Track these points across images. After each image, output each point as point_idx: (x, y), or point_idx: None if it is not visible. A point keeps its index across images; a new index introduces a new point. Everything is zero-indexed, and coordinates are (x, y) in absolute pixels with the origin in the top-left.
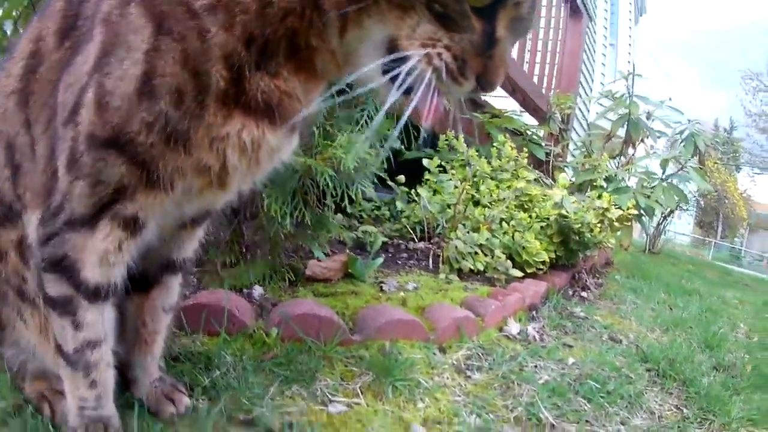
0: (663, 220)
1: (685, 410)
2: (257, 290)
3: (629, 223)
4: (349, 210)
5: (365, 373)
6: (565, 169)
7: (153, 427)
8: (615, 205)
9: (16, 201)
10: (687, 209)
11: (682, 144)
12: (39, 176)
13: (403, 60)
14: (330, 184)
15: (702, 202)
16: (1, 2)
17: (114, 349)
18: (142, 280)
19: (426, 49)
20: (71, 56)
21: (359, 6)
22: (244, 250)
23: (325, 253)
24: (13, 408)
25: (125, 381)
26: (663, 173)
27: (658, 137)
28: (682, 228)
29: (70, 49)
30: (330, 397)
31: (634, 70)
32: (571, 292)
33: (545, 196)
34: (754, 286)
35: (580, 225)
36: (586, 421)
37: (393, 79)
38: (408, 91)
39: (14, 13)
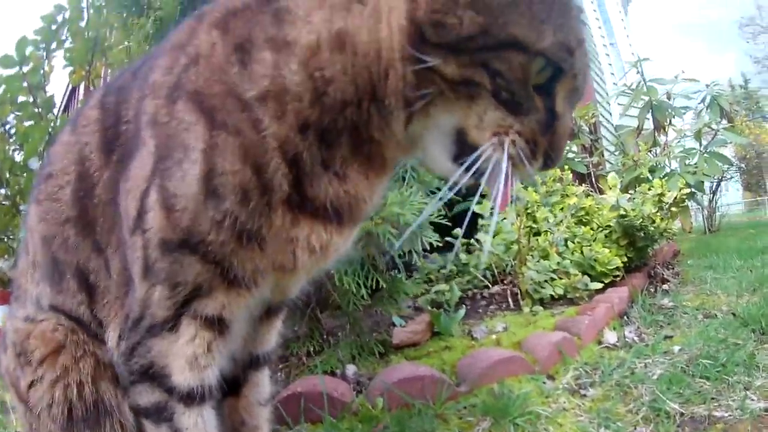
0: (713, 196)
1: None
2: (350, 369)
3: (685, 204)
4: (417, 276)
5: (482, 420)
6: (608, 175)
7: None
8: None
9: (94, 322)
10: (732, 177)
11: (708, 110)
12: (116, 291)
13: (477, 149)
14: (394, 242)
15: (744, 165)
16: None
17: None
18: (231, 381)
19: (498, 136)
20: (123, 168)
21: (425, 100)
22: (325, 336)
23: (405, 321)
24: None
25: None
26: (700, 145)
27: (684, 113)
28: (732, 198)
29: (120, 162)
30: None
31: (640, 57)
32: (653, 289)
33: (599, 205)
34: None
35: (641, 219)
36: (712, 398)
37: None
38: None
39: None
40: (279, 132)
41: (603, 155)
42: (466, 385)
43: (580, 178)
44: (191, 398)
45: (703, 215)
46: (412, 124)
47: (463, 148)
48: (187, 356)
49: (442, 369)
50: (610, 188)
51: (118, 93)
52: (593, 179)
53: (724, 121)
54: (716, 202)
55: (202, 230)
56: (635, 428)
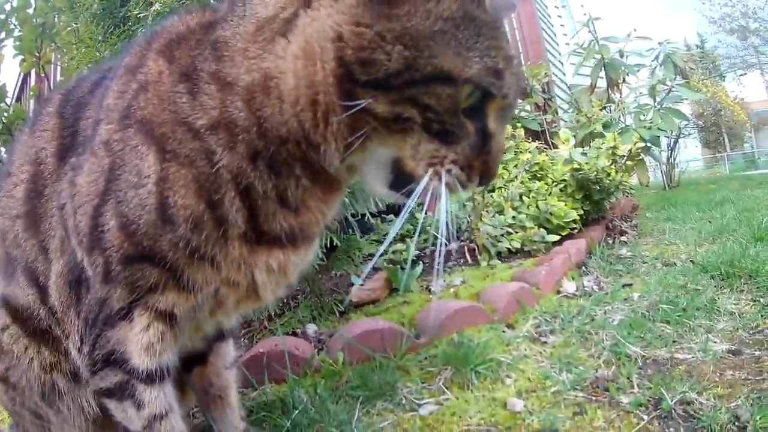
0: (671, 153)
1: (761, 300)
2: (311, 328)
3: (641, 158)
4: (373, 237)
5: (443, 369)
6: (560, 131)
7: None
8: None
9: (49, 317)
10: (691, 134)
11: (662, 67)
12: (66, 298)
13: (413, 178)
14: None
15: (701, 122)
16: None
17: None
18: (200, 355)
19: (434, 167)
20: (74, 177)
21: (361, 139)
22: (285, 299)
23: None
24: None
25: None
26: (654, 101)
27: (637, 70)
28: (691, 154)
29: (73, 170)
30: (417, 402)
31: (591, 16)
32: (611, 241)
33: (553, 160)
34: None
35: (596, 172)
36: (674, 341)
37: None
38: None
39: None
40: (231, 163)
41: (557, 113)
42: (425, 336)
43: (534, 135)
44: (151, 378)
45: (661, 171)
46: (350, 157)
47: (400, 176)
48: (143, 344)
49: (402, 322)
50: (563, 143)
51: (77, 107)
52: (547, 136)
53: (679, 78)
54: (675, 159)
55: (162, 249)
56: (597, 371)
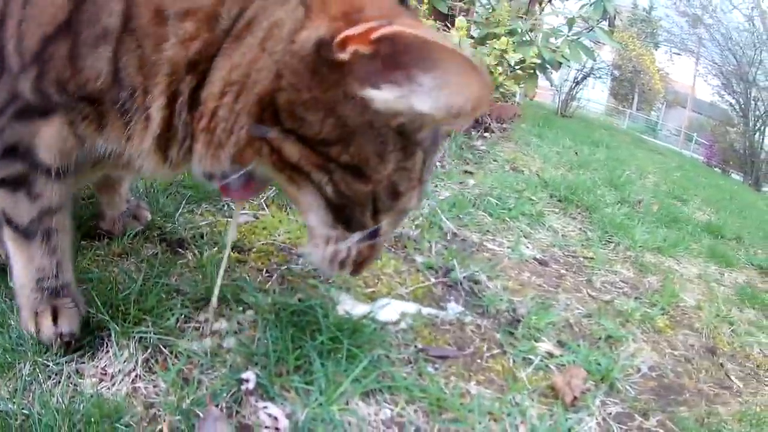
0: (575, 86)
1: (588, 233)
2: None
3: (533, 72)
4: None
5: (269, 189)
6: (471, 25)
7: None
8: (516, 51)
9: None
10: (600, 77)
11: (591, 6)
12: None
13: None
14: None
15: (617, 73)
16: None
17: None
18: None
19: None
20: None
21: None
22: None
23: None
24: None
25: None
26: (569, 30)
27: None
28: (596, 97)
29: None
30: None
31: None
32: (473, 132)
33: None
34: (668, 155)
35: None
36: (488, 231)
37: None
38: None
39: None
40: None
41: (474, 4)
42: None
43: (441, 17)
44: (55, 174)
45: (559, 98)
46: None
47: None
48: (55, 142)
49: None
50: (457, 29)
51: None
52: (453, 22)
53: (604, 24)
54: (576, 92)
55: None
56: (403, 229)
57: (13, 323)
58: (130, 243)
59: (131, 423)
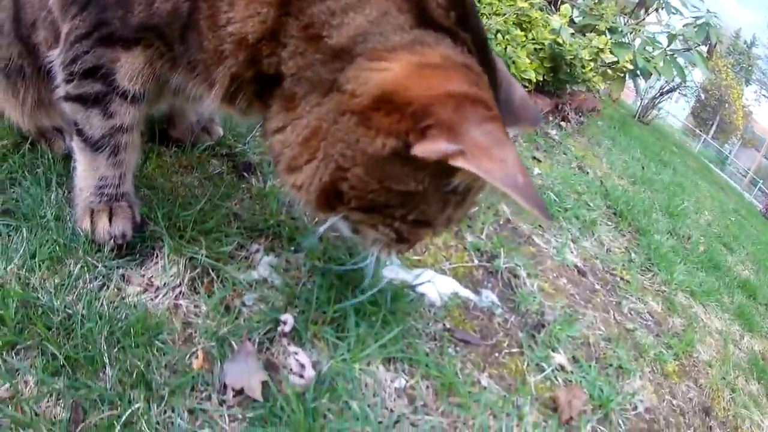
0: (660, 95)
1: (632, 254)
2: None
3: (623, 75)
4: None
5: None
6: (573, 8)
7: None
8: (612, 52)
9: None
10: (686, 95)
11: (695, 29)
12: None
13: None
14: None
15: (703, 96)
16: None
17: None
18: None
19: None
20: None
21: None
22: None
23: None
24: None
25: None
26: (668, 45)
27: (673, 13)
28: (676, 112)
29: None
30: None
31: None
32: (551, 118)
33: (545, 22)
34: (729, 194)
35: (572, 57)
36: (539, 225)
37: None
38: None
39: None
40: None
41: None
42: None
43: None
44: (131, 97)
45: (641, 103)
46: None
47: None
48: (135, 68)
49: None
50: (560, 15)
51: None
52: (558, 2)
53: (704, 49)
54: (660, 101)
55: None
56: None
57: (68, 219)
58: (198, 157)
59: (168, 341)
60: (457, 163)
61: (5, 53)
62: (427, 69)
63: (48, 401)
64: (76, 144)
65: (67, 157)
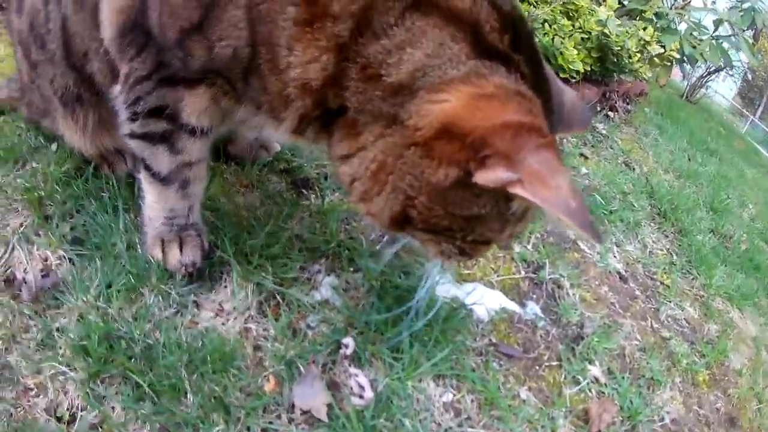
0: (707, 75)
1: (674, 256)
2: None
3: (670, 64)
4: None
5: None
6: None
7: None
8: (659, 42)
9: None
10: (733, 75)
11: (741, 14)
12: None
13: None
14: None
15: (750, 76)
16: None
17: None
18: None
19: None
20: None
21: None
22: None
23: None
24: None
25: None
26: (714, 30)
27: None
28: (723, 91)
29: None
30: None
31: None
32: (598, 108)
33: (593, 10)
34: None
35: (620, 48)
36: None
37: None
38: None
39: None
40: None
41: None
42: None
43: None
44: (198, 132)
45: (688, 82)
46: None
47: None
48: (200, 107)
49: None
50: (606, 5)
51: None
52: None
53: (749, 33)
54: (707, 81)
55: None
56: None
57: (139, 247)
58: (257, 174)
59: (242, 366)
60: (515, 190)
61: (61, 82)
62: (482, 100)
63: (134, 425)
64: (144, 177)
65: (130, 179)
